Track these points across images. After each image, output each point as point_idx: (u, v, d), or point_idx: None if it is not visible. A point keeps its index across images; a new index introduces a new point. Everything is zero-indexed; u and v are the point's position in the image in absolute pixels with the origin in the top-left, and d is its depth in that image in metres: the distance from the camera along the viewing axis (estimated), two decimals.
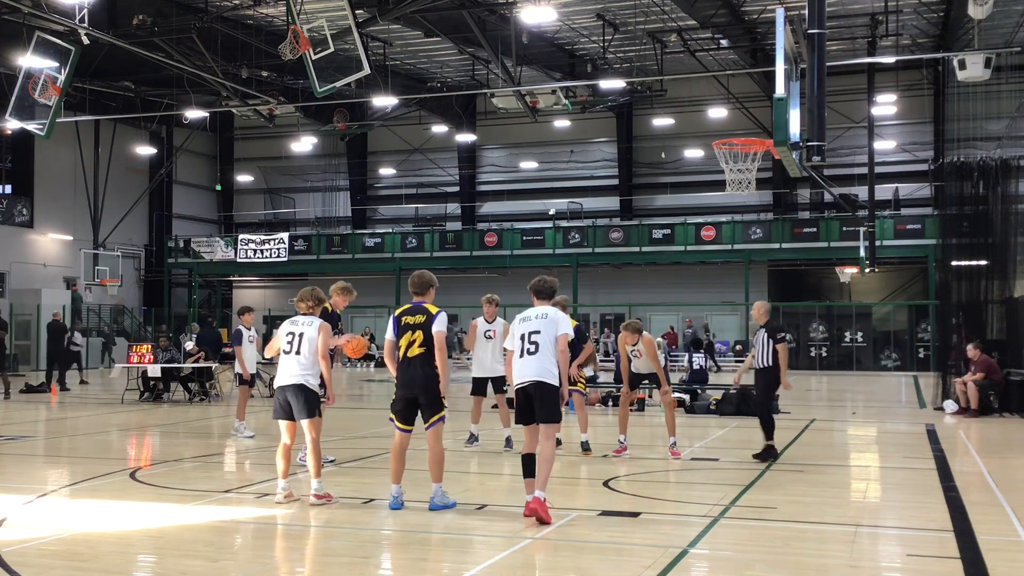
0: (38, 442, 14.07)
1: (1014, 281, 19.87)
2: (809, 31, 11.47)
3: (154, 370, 20.27)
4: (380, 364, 39.58)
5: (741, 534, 7.58)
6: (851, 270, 35.43)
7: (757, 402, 11.65)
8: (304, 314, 8.88)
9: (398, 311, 8.40)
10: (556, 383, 8.02)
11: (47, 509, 8.42)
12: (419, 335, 8.17)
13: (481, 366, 12.35)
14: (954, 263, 20.31)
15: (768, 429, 11.38)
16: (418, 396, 8.20)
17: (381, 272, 41.73)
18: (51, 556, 6.78)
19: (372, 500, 8.75)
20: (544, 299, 8.41)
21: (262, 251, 42.37)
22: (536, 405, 7.98)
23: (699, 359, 20.20)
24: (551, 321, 8.13)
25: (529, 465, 7.94)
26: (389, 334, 8.34)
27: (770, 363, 11.30)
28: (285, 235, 42.68)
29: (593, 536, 7.48)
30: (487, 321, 12.32)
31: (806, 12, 11.59)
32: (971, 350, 17.85)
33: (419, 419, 8.35)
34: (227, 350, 22.76)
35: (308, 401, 8.60)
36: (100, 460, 11.82)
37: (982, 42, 23.92)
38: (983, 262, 19.70)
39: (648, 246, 38.31)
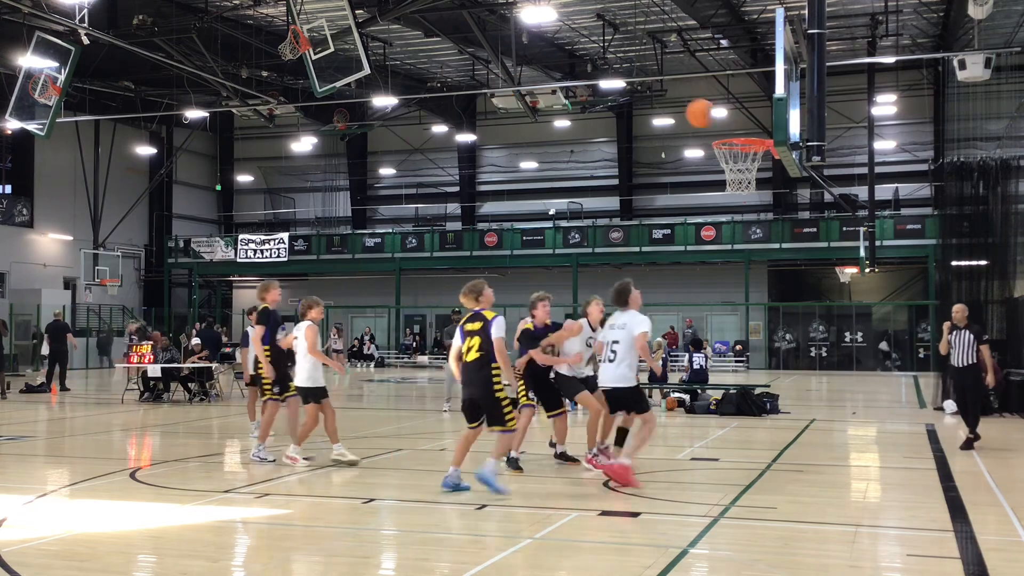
0: (38, 442, 14.06)
1: (1014, 281, 19.84)
2: (809, 31, 11.45)
3: (154, 370, 20.28)
4: (380, 364, 39.59)
5: (741, 534, 7.58)
6: (851, 270, 35.41)
7: (972, 399, 12.84)
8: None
9: (462, 320, 9.04)
10: (630, 385, 9.35)
11: (47, 509, 8.42)
12: (476, 340, 8.77)
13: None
14: (954, 263, 20.27)
15: (974, 421, 12.65)
16: (476, 399, 8.79)
17: (381, 272, 41.71)
18: (51, 556, 6.78)
19: (372, 500, 8.76)
20: (622, 304, 9.63)
21: (262, 251, 42.35)
22: (624, 405, 9.48)
23: (699, 359, 20.20)
24: (628, 330, 9.38)
25: (622, 436, 9.71)
26: (456, 340, 9.00)
27: (974, 360, 12.57)
28: (285, 235, 42.66)
29: (593, 536, 7.49)
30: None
31: (806, 12, 11.57)
32: None
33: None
34: (227, 350, 22.75)
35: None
36: (100, 460, 11.82)
37: (982, 42, 23.88)
38: (983, 262, 19.67)
39: (648, 246, 38.29)
